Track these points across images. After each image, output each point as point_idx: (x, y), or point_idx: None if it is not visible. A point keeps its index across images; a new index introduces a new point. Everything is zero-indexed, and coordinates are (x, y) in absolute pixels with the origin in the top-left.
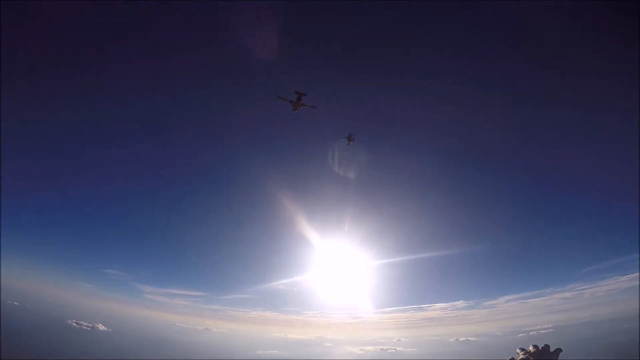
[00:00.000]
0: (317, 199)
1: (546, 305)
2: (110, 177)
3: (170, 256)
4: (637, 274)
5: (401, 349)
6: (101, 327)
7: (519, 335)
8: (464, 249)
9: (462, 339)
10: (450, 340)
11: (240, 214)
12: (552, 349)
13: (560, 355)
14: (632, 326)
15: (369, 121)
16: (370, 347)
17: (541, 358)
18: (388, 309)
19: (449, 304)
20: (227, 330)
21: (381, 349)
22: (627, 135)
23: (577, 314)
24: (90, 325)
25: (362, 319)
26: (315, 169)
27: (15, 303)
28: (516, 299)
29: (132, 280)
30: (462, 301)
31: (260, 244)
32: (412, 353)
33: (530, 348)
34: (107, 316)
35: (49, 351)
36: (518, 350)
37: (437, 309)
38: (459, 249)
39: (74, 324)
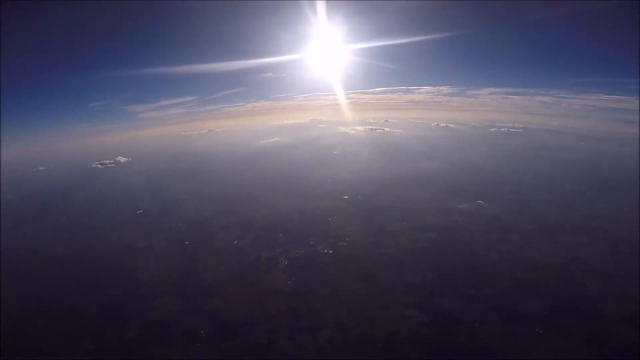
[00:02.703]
0: None
1: (525, 105)
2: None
3: (146, 66)
4: (619, 97)
5: (388, 129)
6: (121, 159)
7: (492, 129)
8: (458, 31)
9: (442, 124)
10: (432, 124)
11: None
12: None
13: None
14: (587, 145)
15: None
16: (361, 127)
17: None
18: (377, 90)
19: (436, 88)
20: (228, 128)
21: (370, 128)
22: None
23: (548, 121)
24: (112, 162)
25: (352, 99)
26: None
27: (41, 168)
28: (499, 92)
29: (120, 104)
30: (448, 86)
31: (242, 25)
32: (398, 134)
33: None
34: (119, 148)
35: (98, 194)
36: None
37: (424, 92)
38: (452, 31)
39: (99, 165)
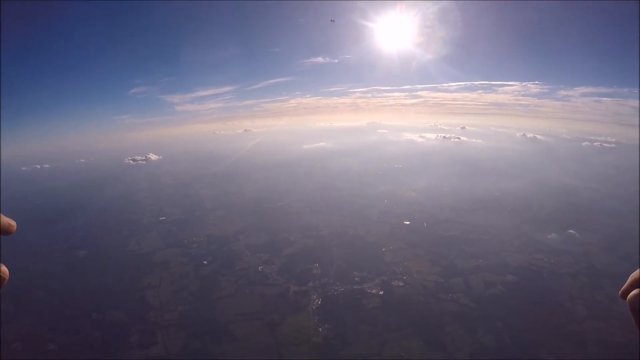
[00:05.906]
0: None
1: (616, 111)
2: None
3: (186, 50)
4: None
5: (465, 139)
6: (153, 156)
7: (584, 143)
8: (550, 18)
9: (529, 135)
10: (518, 134)
11: None
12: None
13: None
14: None
15: None
16: (432, 135)
17: None
18: (454, 85)
19: (523, 85)
20: (266, 128)
21: (443, 137)
22: None
23: None
24: (143, 158)
25: (422, 98)
26: None
27: (82, 160)
28: (592, 93)
29: (159, 93)
30: (537, 82)
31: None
32: (477, 145)
33: None
34: (153, 144)
35: (126, 194)
36: None
37: (509, 91)
38: (544, 21)
39: (131, 161)
